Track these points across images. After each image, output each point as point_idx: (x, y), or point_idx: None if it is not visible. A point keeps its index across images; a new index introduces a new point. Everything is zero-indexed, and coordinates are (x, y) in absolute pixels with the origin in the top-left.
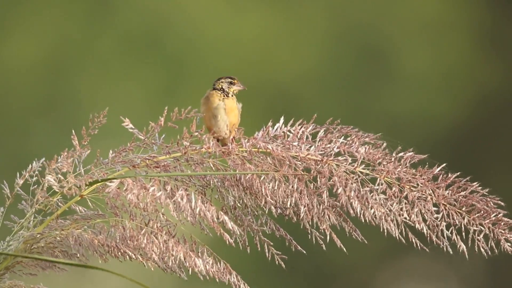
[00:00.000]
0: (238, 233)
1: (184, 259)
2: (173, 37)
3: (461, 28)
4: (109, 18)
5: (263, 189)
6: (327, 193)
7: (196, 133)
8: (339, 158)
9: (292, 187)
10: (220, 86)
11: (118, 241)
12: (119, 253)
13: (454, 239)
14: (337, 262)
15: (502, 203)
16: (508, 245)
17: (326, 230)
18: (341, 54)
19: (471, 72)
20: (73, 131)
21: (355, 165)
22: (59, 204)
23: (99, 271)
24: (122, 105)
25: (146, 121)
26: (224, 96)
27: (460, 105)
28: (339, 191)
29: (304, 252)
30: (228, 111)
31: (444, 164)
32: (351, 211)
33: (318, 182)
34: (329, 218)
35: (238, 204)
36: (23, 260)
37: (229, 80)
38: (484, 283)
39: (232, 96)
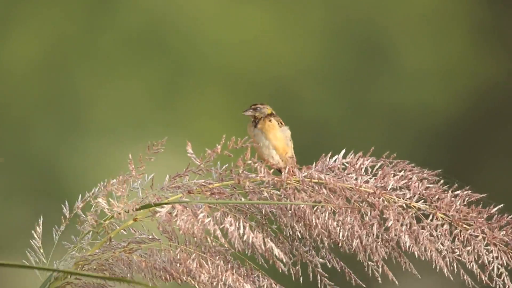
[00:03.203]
0: (284, 260)
1: (232, 284)
2: (174, 35)
3: (460, 21)
4: (110, 16)
5: (313, 220)
6: (377, 226)
7: (250, 161)
8: (393, 191)
9: (344, 218)
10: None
11: (166, 264)
12: (169, 276)
13: (503, 279)
14: None
15: None
16: None
17: (378, 263)
18: (340, 49)
19: (471, 65)
20: (129, 155)
21: (411, 200)
22: (114, 226)
23: None
24: (122, 103)
25: (146, 119)
26: (256, 122)
27: (460, 98)
28: (389, 224)
29: (364, 286)
30: (266, 133)
31: (502, 205)
32: (402, 245)
33: (369, 214)
34: (379, 250)
35: (296, 236)
36: (73, 281)
37: (253, 107)
38: None
39: (264, 118)
